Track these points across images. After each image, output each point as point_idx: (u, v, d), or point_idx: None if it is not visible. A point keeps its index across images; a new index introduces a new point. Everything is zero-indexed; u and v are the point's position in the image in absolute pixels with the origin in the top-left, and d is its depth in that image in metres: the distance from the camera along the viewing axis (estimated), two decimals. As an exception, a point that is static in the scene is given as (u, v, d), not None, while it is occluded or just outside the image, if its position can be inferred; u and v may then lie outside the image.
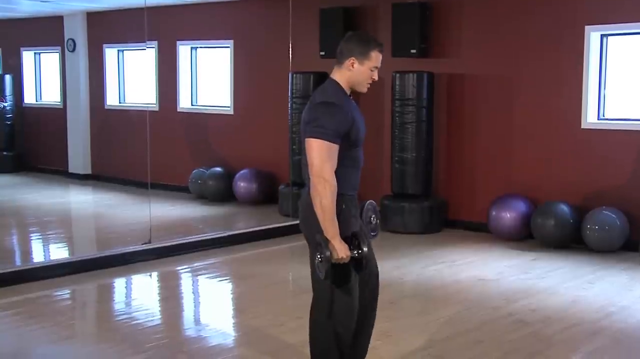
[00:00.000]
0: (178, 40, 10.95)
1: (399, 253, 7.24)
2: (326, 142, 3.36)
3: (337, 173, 3.40)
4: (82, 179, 12.04)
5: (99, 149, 12.09)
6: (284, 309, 5.60)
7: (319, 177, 3.35)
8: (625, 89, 7.69)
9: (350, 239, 3.44)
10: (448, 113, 8.59)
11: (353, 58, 3.49)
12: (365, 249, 3.42)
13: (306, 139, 3.42)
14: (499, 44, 8.19)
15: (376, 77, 3.56)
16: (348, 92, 3.57)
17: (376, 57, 3.51)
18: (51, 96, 12.93)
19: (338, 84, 3.53)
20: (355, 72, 3.50)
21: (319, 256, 3.37)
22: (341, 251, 3.36)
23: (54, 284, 6.21)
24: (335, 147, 3.39)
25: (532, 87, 8.00)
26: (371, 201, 3.67)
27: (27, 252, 7.97)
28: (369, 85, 3.58)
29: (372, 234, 3.63)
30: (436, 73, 8.44)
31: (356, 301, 3.59)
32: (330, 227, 3.36)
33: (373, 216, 3.63)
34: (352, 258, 3.42)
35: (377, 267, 3.78)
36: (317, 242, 3.38)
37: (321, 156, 3.36)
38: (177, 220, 9.23)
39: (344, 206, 3.45)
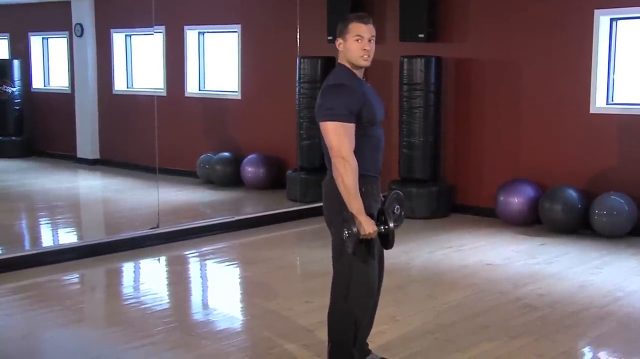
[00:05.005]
0: (186, 25, 10.93)
1: (407, 238, 7.24)
2: (340, 122, 3.45)
3: (354, 153, 3.46)
4: (90, 164, 12.07)
5: (107, 134, 12.11)
6: (292, 293, 5.62)
7: (338, 157, 3.44)
8: (635, 73, 7.64)
9: (377, 215, 3.53)
10: (456, 98, 8.56)
11: (339, 38, 3.61)
12: (391, 224, 3.50)
13: (321, 123, 3.51)
14: (508, 28, 8.15)
15: (368, 47, 3.56)
16: (359, 75, 3.63)
17: (354, 27, 3.56)
18: (59, 81, 12.94)
19: (345, 66, 3.62)
20: (345, 50, 3.59)
21: (346, 232, 3.44)
22: (368, 226, 3.43)
23: (62, 269, 6.24)
24: (350, 127, 3.46)
25: (541, 71, 7.96)
26: (397, 191, 3.68)
27: (36, 237, 8.01)
28: (366, 57, 3.57)
29: (394, 224, 3.60)
30: (444, 57, 8.41)
31: (374, 283, 3.68)
32: (354, 203, 3.43)
33: (398, 206, 3.63)
34: (379, 234, 3.50)
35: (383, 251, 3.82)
36: (344, 219, 3.44)
37: (337, 136, 3.44)
38: (185, 205, 9.25)
39: (363, 189, 3.50)
